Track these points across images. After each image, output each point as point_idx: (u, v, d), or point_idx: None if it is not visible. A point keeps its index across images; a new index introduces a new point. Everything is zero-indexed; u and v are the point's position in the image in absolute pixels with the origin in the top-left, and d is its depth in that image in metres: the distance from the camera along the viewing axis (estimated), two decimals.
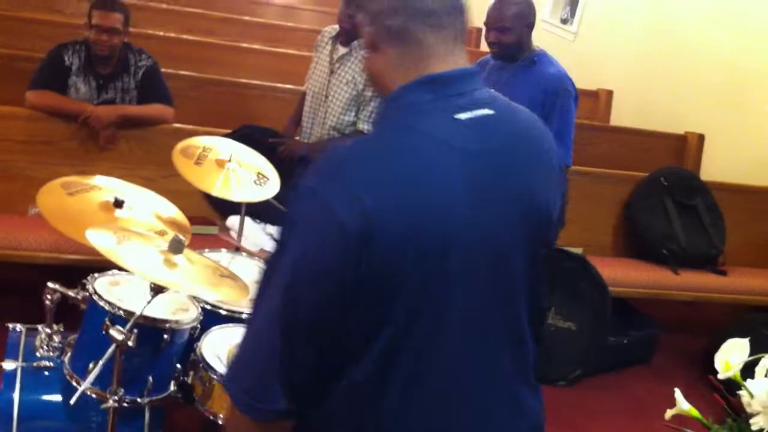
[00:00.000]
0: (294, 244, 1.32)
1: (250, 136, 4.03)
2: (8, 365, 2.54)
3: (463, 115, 1.39)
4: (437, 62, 1.43)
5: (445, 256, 1.32)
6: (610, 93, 6.61)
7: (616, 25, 6.65)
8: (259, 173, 3.16)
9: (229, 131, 4.09)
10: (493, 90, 1.51)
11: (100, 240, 2.22)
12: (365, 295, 1.29)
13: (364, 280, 1.28)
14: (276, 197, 3.10)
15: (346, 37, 4.06)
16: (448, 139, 1.36)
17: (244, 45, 5.95)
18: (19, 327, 2.71)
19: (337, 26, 4.11)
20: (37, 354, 2.61)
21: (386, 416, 1.38)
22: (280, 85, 5.15)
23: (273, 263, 1.37)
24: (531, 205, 1.46)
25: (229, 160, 3.08)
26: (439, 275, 1.33)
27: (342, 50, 4.07)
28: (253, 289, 2.85)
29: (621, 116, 6.46)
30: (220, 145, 3.19)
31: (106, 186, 2.74)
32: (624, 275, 4.51)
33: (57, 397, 2.52)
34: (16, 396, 2.48)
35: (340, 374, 1.36)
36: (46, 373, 2.56)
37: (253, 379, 1.34)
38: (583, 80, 5.39)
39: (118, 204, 2.63)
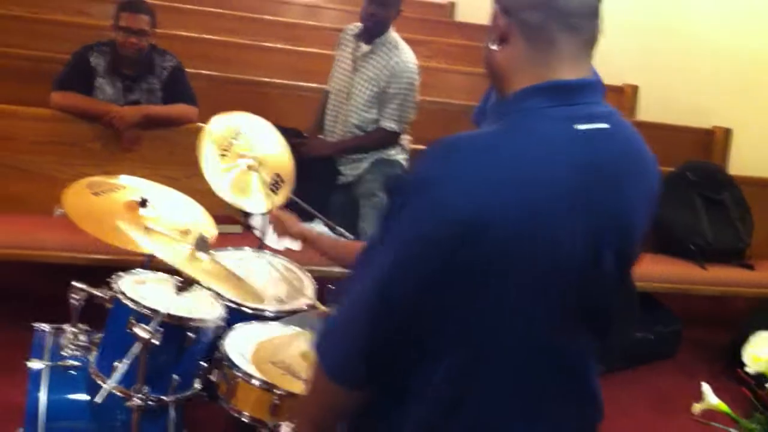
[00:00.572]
0: (402, 227, 1.35)
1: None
2: (35, 365, 2.55)
3: (581, 126, 1.38)
4: (566, 68, 1.40)
5: (541, 260, 1.35)
6: (635, 88, 6.56)
7: (639, 19, 6.60)
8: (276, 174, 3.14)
9: None
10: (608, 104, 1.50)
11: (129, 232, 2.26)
12: (463, 288, 1.33)
13: (465, 274, 1.31)
14: (298, 195, 3.10)
15: (368, 34, 4.06)
16: (564, 147, 1.36)
17: (267, 44, 5.94)
18: (45, 327, 2.72)
19: (360, 24, 4.12)
20: (63, 353, 2.61)
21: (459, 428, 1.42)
22: (302, 83, 5.15)
23: (376, 242, 1.40)
24: (623, 225, 1.47)
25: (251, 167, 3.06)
26: (532, 279, 1.35)
27: (365, 48, 4.07)
28: (271, 290, 2.90)
29: (646, 111, 6.41)
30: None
31: (130, 185, 2.76)
32: (650, 270, 4.46)
33: (83, 397, 2.54)
34: (42, 396, 2.49)
35: (418, 373, 1.40)
36: (72, 372, 2.57)
37: (345, 349, 1.40)
38: (607, 76, 5.34)
39: (143, 203, 2.63)
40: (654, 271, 4.49)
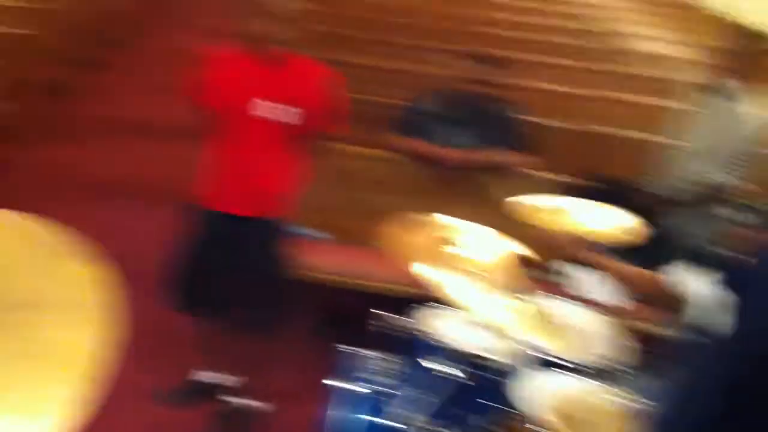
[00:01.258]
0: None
1: (613, 190, 3.95)
2: (335, 385, 2.65)
3: None
4: None
5: None
6: None
7: None
8: None
9: (585, 182, 4.06)
10: None
11: (433, 274, 2.31)
12: None
13: None
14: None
15: (713, 87, 3.89)
16: None
17: (610, 94, 5.90)
18: (350, 349, 2.82)
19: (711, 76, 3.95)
20: (362, 377, 2.69)
21: None
22: (642, 135, 5.01)
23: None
24: None
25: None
26: None
27: (711, 100, 3.89)
28: (583, 342, 2.77)
29: None
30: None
31: (448, 224, 2.81)
32: None
33: (375, 420, 2.57)
34: (339, 415, 2.57)
35: None
36: (368, 395, 2.63)
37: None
38: None
39: (455, 242, 2.66)
40: None
